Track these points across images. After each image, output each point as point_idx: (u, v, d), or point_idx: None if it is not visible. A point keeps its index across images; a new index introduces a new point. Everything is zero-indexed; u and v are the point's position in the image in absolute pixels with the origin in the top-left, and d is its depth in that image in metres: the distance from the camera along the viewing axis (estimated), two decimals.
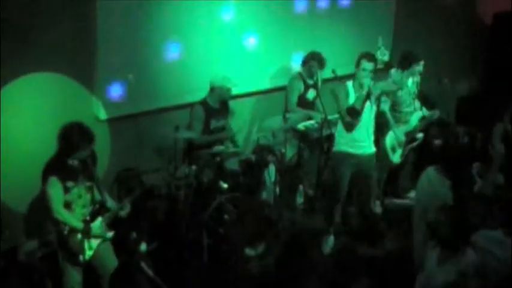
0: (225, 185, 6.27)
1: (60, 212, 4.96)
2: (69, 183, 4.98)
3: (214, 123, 6.62)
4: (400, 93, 7.09)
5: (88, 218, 5.10)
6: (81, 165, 5.06)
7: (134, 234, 6.03)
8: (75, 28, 6.05)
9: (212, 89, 6.55)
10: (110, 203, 5.28)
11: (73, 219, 5.01)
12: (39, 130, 5.91)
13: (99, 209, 5.19)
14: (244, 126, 7.58)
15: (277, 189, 6.64)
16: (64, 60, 6.05)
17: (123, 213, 5.25)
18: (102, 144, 6.27)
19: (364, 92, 6.00)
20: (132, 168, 6.60)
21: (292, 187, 7.26)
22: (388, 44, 8.57)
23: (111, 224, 5.24)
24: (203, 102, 6.57)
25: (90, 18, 6.14)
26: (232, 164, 6.39)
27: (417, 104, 7.30)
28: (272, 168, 6.70)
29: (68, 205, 5.01)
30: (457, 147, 6.51)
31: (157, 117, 6.76)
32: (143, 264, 5.41)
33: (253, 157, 6.50)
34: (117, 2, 6.23)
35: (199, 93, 6.67)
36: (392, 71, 7.10)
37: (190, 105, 6.63)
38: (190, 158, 6.54)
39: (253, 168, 6.38)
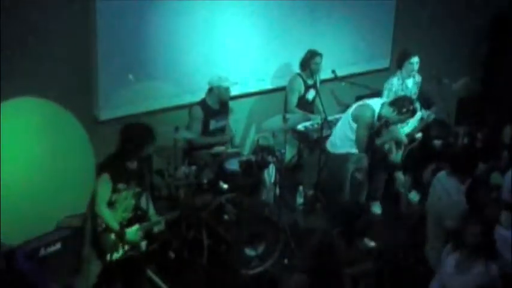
0: (225, 185, 6.28)
1: (102, 209, 5.08)
2: (121, 185, 5.09)
3: (214, 124, 6.62)
4: (401, 94, 7.10)
5: (125, 222, 5.17)
6: (138, 170, 5.15)
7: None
8: (75, 29, 6.06)
9: (210, 90, 6.56)
10: (152, 213, 5.40)
11: (111, 218, 5.11)
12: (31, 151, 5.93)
13: (140, 217, 5.26)
14: (244, 127, 7.58)
15: (277, 190, 6.64)
16: (64, 61, 6.05)
17: (156, 229, 5.39)
18: (103, 145, 6.27)
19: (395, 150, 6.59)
20: None
21: (292, 187, 7.25)
22: (388, 45, 8.60)
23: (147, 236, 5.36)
24: (202, 103, 6.57)
25: (90, 19, 6.14)
26: (232, 164, 6.39)
27: (417, 104, 7.30)
28: (272, 168, 6.70)
29: (111, 204, 5.11)
30: (468, 148, 6.55)
31: (157, 117, 6.76)
32: (150, 273, 5.46)
33: (253, 157, 6.49)
34: (117, 3, 6.24)
35: (199, 93, 6.67)
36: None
37: (190, 106, 6.64)
38: (190, 158, 6.55)
39: (253, 169, 6.38)
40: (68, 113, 6.07)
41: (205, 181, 6.15)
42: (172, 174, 6.19)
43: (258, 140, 6.93)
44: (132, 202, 5.24)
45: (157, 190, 6.56)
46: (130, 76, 6.49)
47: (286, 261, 6.14)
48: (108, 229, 5.11)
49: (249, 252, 6.07)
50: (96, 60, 6.27)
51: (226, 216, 6.04)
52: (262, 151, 6.57)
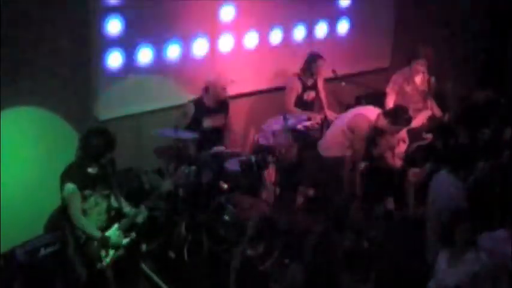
0: (225, 185, 6.27)
1: (80, 219, 4.98)
2: (87, 192, 5.01)
3: (207, 122, 6.58)
4: (408, 89, 7.12)
5: (104, 225, 5.11)
6: (100, 173, 5.08)
7: (134, 234, 6.03)
8: (75, 29, 6.06)
9: (206, 88, 6.55)
10: (128, 209, 5.27)
11: (91, 227, 5.02)
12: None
13: (115, 216, 5.20)
14: (244, 127, 7.57)
15: (277, 189, 6.64)
16: (64, 61, 6.06)
17: (139, 219, 5.25)
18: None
19: None
20: (132, 168, 6.59)
21: (292, 187, 7.24)
22: (388, 45, 8.60)
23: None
24: (196, 100, 6.56)
25: (90, 19, 6.14)
26: (232, 164, 6.38)
27: (429, 103, 7.31)
28: (272, 168, 6.70)
29: (84, 212, 5.02)
30: (466, 145, 6.57)
31: (157, 117, 6.75)
32: (144, 266, 5.44)
33: (253, 157, 6.49)
34: (117, 2, 6.24)
35: (200, 93, 6.67)
36: None
37: None
38: (190, 158, 6.53)
39: (253, 169, 6.38)
40: (63, 121, 6.10)
41: (205, 181, 6.14)
42: (172, 174, 6.19)
43: (258, 140, 6.94)
44: (104, 205, 5.13)
45: (158, 190, 6.55)
46: (130, 76, 6.49)
47: (286, 261, 6.13)
48: (90, 238, 5.01)
49: (249, 252, 6.06)
50: (96, 60, 6.26)
51: (226, 216, 6.03)
52: (262, 151, 6.57)
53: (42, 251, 5.74)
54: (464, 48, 9.41)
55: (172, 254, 5.89)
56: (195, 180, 6.13)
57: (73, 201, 4.96)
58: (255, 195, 6.55)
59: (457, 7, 8.96)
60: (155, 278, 5.67)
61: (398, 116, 6.25)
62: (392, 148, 6.79)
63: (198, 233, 5.95)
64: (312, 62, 7.15)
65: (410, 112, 7.10)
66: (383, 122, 6.26)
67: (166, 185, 5.48)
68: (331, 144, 6.47)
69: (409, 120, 6.33)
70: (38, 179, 5.94)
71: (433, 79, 7.35)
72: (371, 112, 6.36)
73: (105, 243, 5.04)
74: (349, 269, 4.95)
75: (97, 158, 5.00)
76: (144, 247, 6.02)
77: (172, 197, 6.08)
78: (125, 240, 5.18)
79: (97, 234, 5.02)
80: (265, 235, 6.07)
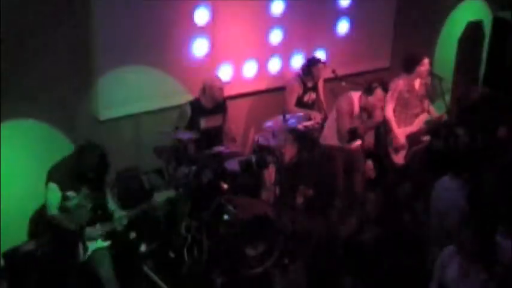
0: (225, 185, 6.27)
1: (54, 215, 5.03)
2: (70, 193, 5.03)
3: (204, 123, 6.58)
4: (407, 95, 7.12)
5: (85, 222, 5.12)
6: (89, 176, 5.07)
7: (134, 235, 6.04)
8: (74, 27, 6.06)
9: (203, 89, 6.55)
10: (114, 208, 5.29)
11: (67, 221, 5.05)
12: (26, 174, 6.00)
13: (101, 215, 5.21)
14: (244, 127, 7.57)
15: (277, 189, 6.65)
16: (63, 60, 6.05)
17: (119, 226, 5.24)
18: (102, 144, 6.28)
19: None
20: (132, 168, 6.59)
21: (292, 187, 7.25)
22: (388, 45, 8.60)
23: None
24: (193, 101, 6.55)
25: (90, 19, 6.14)
26: (232, 164, 6.38)
27: (426, 105, 7.31)
28: (272, 168, 6.70)
29: (66, 210, 5.06)
30: (465, 150, 6.56)
31: (157, 117, 6.76)
32: (146, 269, 5.45)
33: (253, 157, 6.50)
34: (117, 3, 6.24)
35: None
36: None
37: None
38: (190, 158, 6.53)
39: (253, 169, 6.38)
40: (59, 132, 6.13)
41: (205, 181, 6.14)
42: (172, 174, 6.19)
43: (257, 140, 6.94)
44: (89, 205, 5.15)
45: (157, 190, 6.55)
46: (131, 76, 6.49)
47: (286, 261, 6.14)
48: (67, 232, 5.05)
49: (249, 252, 6.07)
50: (96, 60, 6.27)
51: (226, 216, 6.03)
52: (262, 151, 6.57)
53: (42, 251, 5.76)
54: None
55: (172, 254, 5.89)
56: (195, 180, 6.13)
57: (51, 199, 5.02)
58: (255, 195, 6.56)
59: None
60: (155, 278, 5.67)
61: (372, 84, 6.49)
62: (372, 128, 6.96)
63: (198, 233, 5.95)
64: (312, 66, 7.18)
65: (408, 117, 7.16)
66: (363, 99, 6.56)
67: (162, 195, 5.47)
68: (327, 132, 6.74)
69: (384, 86, 6.54)
70: (36, 186, 5.96)
71: (429, 80, 7.34)
72: (356, 94, 6.64)
73: (81, 236, 5.06)
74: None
75: (87, 175, 5.02)
76: (144, 247, 6.04)
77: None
78: (104, 243, 5.19)
79: (71, 227, 5.05)
80: (265, 235, 6.10)
